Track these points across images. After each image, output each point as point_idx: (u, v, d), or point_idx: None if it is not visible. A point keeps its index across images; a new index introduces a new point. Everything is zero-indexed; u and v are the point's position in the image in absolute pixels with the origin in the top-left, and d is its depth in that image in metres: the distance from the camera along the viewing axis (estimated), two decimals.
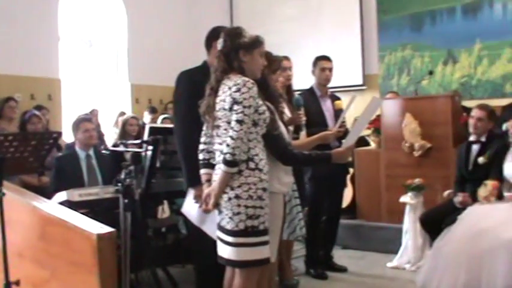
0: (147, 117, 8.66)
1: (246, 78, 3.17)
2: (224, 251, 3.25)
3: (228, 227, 3.18)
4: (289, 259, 5.18)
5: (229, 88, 3.15)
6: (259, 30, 10.18)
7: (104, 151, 5.03)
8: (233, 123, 3.09)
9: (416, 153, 6.15)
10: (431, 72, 7.15)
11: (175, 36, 9.51)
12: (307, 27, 9.23)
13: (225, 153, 3.10)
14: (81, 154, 5.21)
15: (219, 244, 3.29)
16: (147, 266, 4.50)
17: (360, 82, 8.68)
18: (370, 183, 6.74)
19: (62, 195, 4.37)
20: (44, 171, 5.84)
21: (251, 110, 3.10)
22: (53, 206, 3.82)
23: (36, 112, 6.68)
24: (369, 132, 6.89)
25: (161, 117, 7.89)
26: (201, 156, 3.40)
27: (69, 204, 4.26)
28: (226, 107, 3.15)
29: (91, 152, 5.24)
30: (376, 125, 6.68)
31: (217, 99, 3.22)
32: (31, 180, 5.87)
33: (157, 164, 4.64)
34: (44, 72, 8.00)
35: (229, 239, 3.19)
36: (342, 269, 5.63)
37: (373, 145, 6.93)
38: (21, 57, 7.67)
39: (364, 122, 3.78)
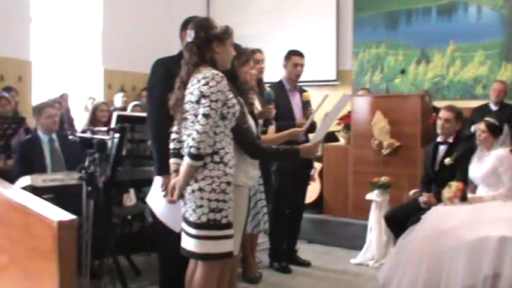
0: (118, 100, 8.57)
1: (216, 72, 3.15)
2: (187, 243, 3.25)
3: (191, 219, 3.18)
4: (253, 252, 5.18)
5: (198, 81, 3.13)
6: (235, 20, 10.18)
7: (71, 136, 4.96)
8: (199, 117, 3.08)
9: (384, 151, 6.19)
10: (403, 71, 7.21)
11: (151, 23, 9.43)
12: (283, 20, 9.20)
13: (190, 147, 3.09)
14: (44, 138, 5.16)
15: (183, 236, 3.29)
16: (110, 254, 4.45)
17: (334, 77, 8.69)
18: (338, 178, 6.78)
19: (25, 180, 4.31)
20: (11, 155, 5.78)
21: (218, 104, 3.09)
22: (15, 191, 3.76)
23: (5, 94, 6.59)
24: (339, 128, 6.92)
25: (132, 104, 7.83)
26: (171, 146, 3.39)
27: (32, 189, 4.22)
28: (194, 100, 3.13)
29: (54, 136, 5.20)
30: (346, 121, 6.71)
31: (186, 92, 3.20)
32: None
33: (124, 152, 4.59)
34: (15, 53, 7.87)
35: (192, 231, 3.19)
36: (306, 264, 5.65)
37: (342, 141, 6.96)
38: None
39: (332, 118, 3.80)
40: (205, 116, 3.06)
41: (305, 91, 5.49)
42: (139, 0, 9.42)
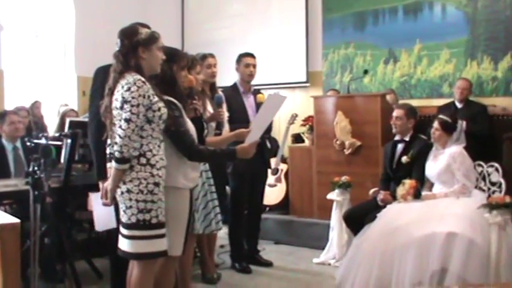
0: None
1: (138, 77, 3.22)
2: (122, 244, 3.35)
3: (123, 220, 3.29)
4: (211, 253, 5.22)
5: (122, 87, 3.21)
6: (209, 25, 10.18)
7: (28, 143, 5.02)
8: (122, 122, 3.17)
9: (346, 151, 6.25)
10: (366, 72, 7.23)
11: None
12: (255, 23, 9.21)
13: (114, 151, 3.20)
14: (8, 146, 5.23)
15: (119, 237, 3.37)
16: (65, 258, 4.52)
17: (304, 79, 8.71)
18: (303, 179, 6.85)
19: None
20: None
21: (140, 108, 3.17)
22: None
23: None
24: (303, 129, 6.97)
25: None
26: (108, 151, 3.46)
27: None
28: (118, 106, 3.22)
29: (18, 144, 5.26)
30: (310, 122, 6.77)
31: (113, 99, 3.27)
32: None
33: (76, 157, 4.66)
34: None
35: (125, 231, 3.30)
36: (267, 264, 5.71)
37: (307, 142, 7.02)
38: None
39: (266, 119, 3.84)
40: (127, 120, 3.16)
41: (259, 93, 5.54)
42: (112, 6, 9.39)
